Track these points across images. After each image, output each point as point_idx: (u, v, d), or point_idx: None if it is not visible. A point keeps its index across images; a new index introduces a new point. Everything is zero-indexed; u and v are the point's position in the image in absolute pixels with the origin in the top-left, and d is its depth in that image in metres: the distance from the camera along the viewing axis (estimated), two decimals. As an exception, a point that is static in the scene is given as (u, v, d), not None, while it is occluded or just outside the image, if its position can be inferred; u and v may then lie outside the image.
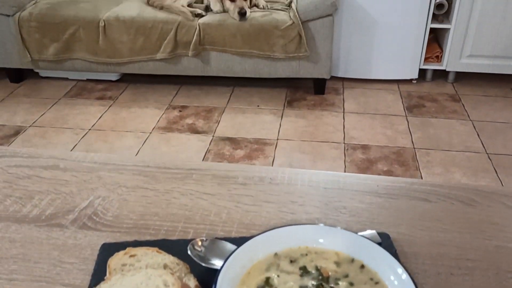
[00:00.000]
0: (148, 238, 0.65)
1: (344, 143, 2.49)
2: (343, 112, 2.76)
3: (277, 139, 2.52)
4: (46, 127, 2.62)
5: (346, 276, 0.54)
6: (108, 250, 0.61)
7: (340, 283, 0.53)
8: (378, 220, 0.68)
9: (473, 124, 2.62)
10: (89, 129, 2.60)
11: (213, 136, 2.54)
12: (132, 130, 2.59)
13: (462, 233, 0.66)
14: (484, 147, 2.42)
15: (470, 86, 3.00)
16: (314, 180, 0.77)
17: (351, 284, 0.53)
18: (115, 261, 0.57)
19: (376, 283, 0.53)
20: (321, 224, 0.59)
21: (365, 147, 2.44)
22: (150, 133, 2.57)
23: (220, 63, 2.77)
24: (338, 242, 0.57)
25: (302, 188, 0.75)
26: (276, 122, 2.66)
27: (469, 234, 0.66)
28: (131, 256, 0.58)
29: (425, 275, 0.59)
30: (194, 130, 2.60)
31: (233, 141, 2.50)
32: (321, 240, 0.57)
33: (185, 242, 0.59)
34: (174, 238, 0.65)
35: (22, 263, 0.61)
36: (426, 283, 0.58)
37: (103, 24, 2.70)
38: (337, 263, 0.55)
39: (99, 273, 0.58)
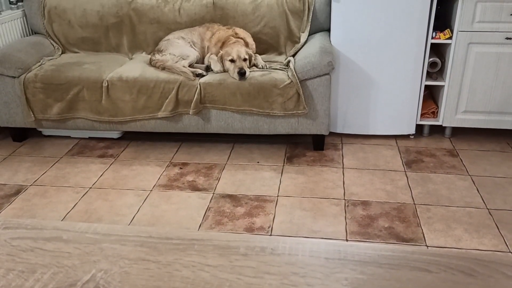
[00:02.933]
0: (150, 313, 0.65)
1: (344, 199, 2.49)
2: (343, 168, 2.78)
3: (278, 195, 2.53)
4: (47, 186, 2.63)
5: None
6: (110, 328, 0.61)
7: None
8: (380, 292, 0.68)
9: (472, 179, 2.64)
10: (90, 188, 2.61)
11: (213, 193, 2.55)
12: (133, 188, 2.60)
13: (464, 305, 0.66)
14: (484, 203, 2.43)
15: (467, 140, 3.04)
16: (315, 250, 0.77)
17: None
18: None
19: None
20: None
21: (365, 203, 2.44)
22: (151, 191, 2.58)
23: (221, 121, 2.83)
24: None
25: (303, 259, 0.75)
26: (276, 179, 2.68)
27: (471, 306, 0.66)
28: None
29: None
30: (195, 188, 2.61)
31: (234, 198, 2.50)
32: (323, 317, 0.57)
33: (187, 318, 0.59)
34: (176, 313, 0.65)
35: None
36: None
37: (106, 84, 2.77)
38: None
39: None
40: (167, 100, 2.77)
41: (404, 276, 0.71)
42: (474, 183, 2.59)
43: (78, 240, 0.79)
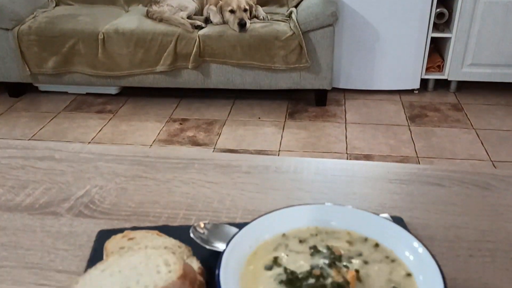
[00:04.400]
0: (148, 224, 0.61)
1: (346, 153, 2.45)
2: (345, 123, 2.74)
3: (279, 150, 2.49)
4: (45, 141, 2.59)
5: (360, 254, 0.50)
6: (105, 237, 0.57)
7: (353, 261, 0.49)
8: (390, 205, 0.65)
9: (476, 133, 2.60)
10: (88, 143, 2.57)
11: (214, 148, 2.51)
12: (132, 143, 2.56)
13: (480, 216, 0.62)
14: (488, 155, 2.39)
15: (472, 95, 2.99)
16: (321, 168, 0.74)
17: (366, 262, 0.49)
18: (112, 243, 0.53)
19: (393, 261, 0.49)
20: (331, 204, 0.55)
21: (368, 157, 2.41)
22: (151, 146, 2.54)
23: (220, 76, 2.76)
24: (349, 221, 0.53)
25: (309, 176, 0.72)
26: (277, 134, 2.64)
27: (487, 217, 0.62)
28: (129, 239, 0.54)
29: (443, 258, 0.55)
30: (195, 143, 2.57)
31: (235, 153, 2.47)
32: (331, 220, 0.54)
33: (187, 228, 0.56)
34: (175, 224, 0.61)
35: (13, 251, 0.57)
36: (444, 265, 0.54)
37: (102, 37, 2.70)
38: (350, 242, 0.52)
39: (96, 258, 0.54)
40: (165, 54, 2.70)
41: (415, 191, 0.67)
42: (478, 137, 2.54)
43: (72, 159, 0.75)
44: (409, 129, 2.65)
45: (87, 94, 3.05)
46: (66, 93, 3.05)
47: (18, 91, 3.02)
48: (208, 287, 0.50)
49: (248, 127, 2.71)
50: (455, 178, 0.70)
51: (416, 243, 0.48)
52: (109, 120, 2.78)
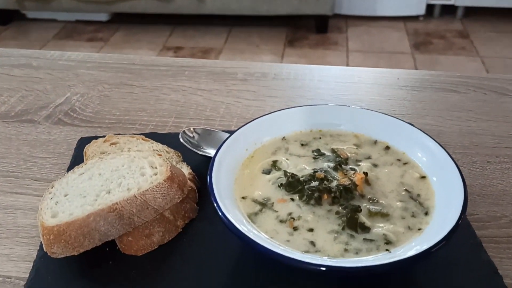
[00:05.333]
0: (134, 132, 0.56)
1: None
2: (347, 51, 2.64)
3: (278, 78, 2.41)
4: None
5: (369, 157, 0.45)
6: (86, 144, 0.52)
7: (361, 164, 0.44)
8: (400, 111, 0.59)
9: (482, 61, 2.50)
10: (81, 71, 2.48)
11: (210, 76, 2.43)
12: (126, 72, 2.47)
13: (498, 122, 0.57)
14: (494, 83, 2.32)
15: (479, 22, 2.86)
16: (324, 75, 0.67)
17: (375, 165, 0.44)
18: (93, 148, 0.48)
19: (405, 163, 0.44)
20: (335, 104, 0.49)
21: (369, 85, 2.33)
22: (145, 74, 2.45)
23: (216, 0, 2.62)
24: (357, 123, 0.48)
25: (311, 83, 0.65)
26: (276, 62, 2.54)
27: (505, 123, 0.57)
28: (112, 144, 0.49)
29: (458, 164, 0.51)
30: (191, 71, 2.48)
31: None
32: (336, 122, 0.48)
33: (177, 135, 0.50)
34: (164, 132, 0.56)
35: (-15, 158, 0.52)
36: (460, 172, 0.49)
37: (90, -42, 2.53)
38: (357, 145, 0.46)
39: (76, 166, 0.49)
40: (158, -24, 2.54)
41: (427, 97, 0.61)
42: (484, 64, 2.45)
43: (50, 67, 0.69)
44: (413, 57, 2.55)
45: (77, 21, 2.91)
46: (55, 20, 2.91)
47: (5, 18, 2.88)
48: (200, 196, 0.45)
49: (246, 56, 2.61)
50: (471, 84, 0.63)
51: (431, 144, 0.43)
52: (101, 49, 2.67)
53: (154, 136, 0.52)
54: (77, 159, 0.50)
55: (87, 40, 2.78)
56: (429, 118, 0.57)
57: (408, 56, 2.60)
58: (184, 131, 0.49)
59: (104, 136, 0.50)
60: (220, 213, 0.35)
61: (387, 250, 0.35)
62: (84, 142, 0.53)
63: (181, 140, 0.48)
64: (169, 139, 0.51)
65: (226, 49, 2.74)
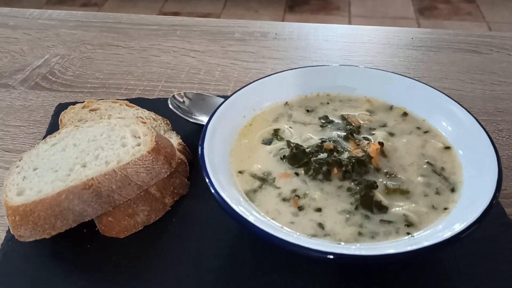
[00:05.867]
0: (118, 98, 0.50)
1: (350, 47, 2.30)
2: (349, 17, 2.54)
3: (278, 45, 2.33)
4: None
5: (384, 125, 0.39)
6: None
7: (376, 133, 0.38)
8: (415, 74, 0.53)
9: (488, 26, 2.41)
10: (74, 38, 2.39)
11: (208, 43, 2.34)
12: (120, 38, 2.38)
13: (526, 86, 0.51)
14: (501, 50, 2.24)
15: (487, -15, 2.75)
16: (331, 34, 0.61)
17: (392, 134, 0.38)
18: (69, 115, 0.42)
19: (426, 132, 0.38)
20: (345, 65, 0.44)
21: (372, 52, 2.26)
22: (140, 40, 2.37)
23: (214, -37, 2.51)
24: (369, 86, 0.42)
25: (316, 43, 0.59)
26: (276, 28, 2.45)
27: (534, 87, 0.51)
28: (91, 110, 0.43)
29: (483, 133, 0.45)
30: (188, 37, 2.39)
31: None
32: (346, 85, 0.42)
33: (166, 101, 0.44)
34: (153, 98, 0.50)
35: (-49, 127, 0.46)
36: (485, 142, 0.44)
37: None
38: (371, 112, 0.41)
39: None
40: None
41: (445, 58, 0.55)
42: (490, 30, 2.37)
43: (29, 26, 0.62)
44: (417, 23, 2.46)
45: (69, -15, 2.80)
46: (46, -16, 2.80)
47: (-6, -18, 2.76)
48: (192, 169, 0.40)
49: (245, 22, 2.52)
50: (494, 44, 0.57)
51: (457, 109, 0.37)
52: (95, 14, 2.57)
53: (140, 102, 0.46)
54: (54, 127, 0.45)
55: (81, 6, 2.68)
56: (448, 81, 0.52)
57: (413, 21, 2.51)
58: (173, 96, 0.44)
59: (83, 102, 0.45)
60: (212, 191, 0.30)
61: (408, 233, 0.30)
62: (62, 108, 0.47)
63: (170, 105, 0.43)
64: (157, 105, 0.46)
65: (224, 14, 2.64)
